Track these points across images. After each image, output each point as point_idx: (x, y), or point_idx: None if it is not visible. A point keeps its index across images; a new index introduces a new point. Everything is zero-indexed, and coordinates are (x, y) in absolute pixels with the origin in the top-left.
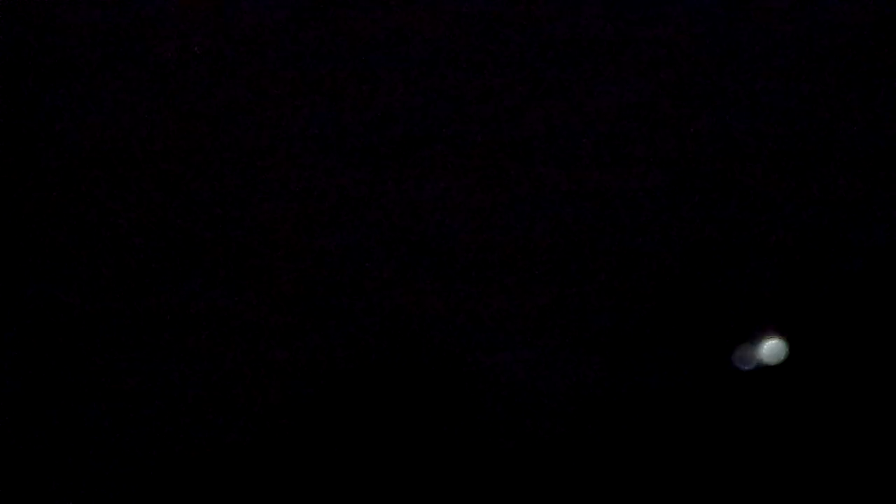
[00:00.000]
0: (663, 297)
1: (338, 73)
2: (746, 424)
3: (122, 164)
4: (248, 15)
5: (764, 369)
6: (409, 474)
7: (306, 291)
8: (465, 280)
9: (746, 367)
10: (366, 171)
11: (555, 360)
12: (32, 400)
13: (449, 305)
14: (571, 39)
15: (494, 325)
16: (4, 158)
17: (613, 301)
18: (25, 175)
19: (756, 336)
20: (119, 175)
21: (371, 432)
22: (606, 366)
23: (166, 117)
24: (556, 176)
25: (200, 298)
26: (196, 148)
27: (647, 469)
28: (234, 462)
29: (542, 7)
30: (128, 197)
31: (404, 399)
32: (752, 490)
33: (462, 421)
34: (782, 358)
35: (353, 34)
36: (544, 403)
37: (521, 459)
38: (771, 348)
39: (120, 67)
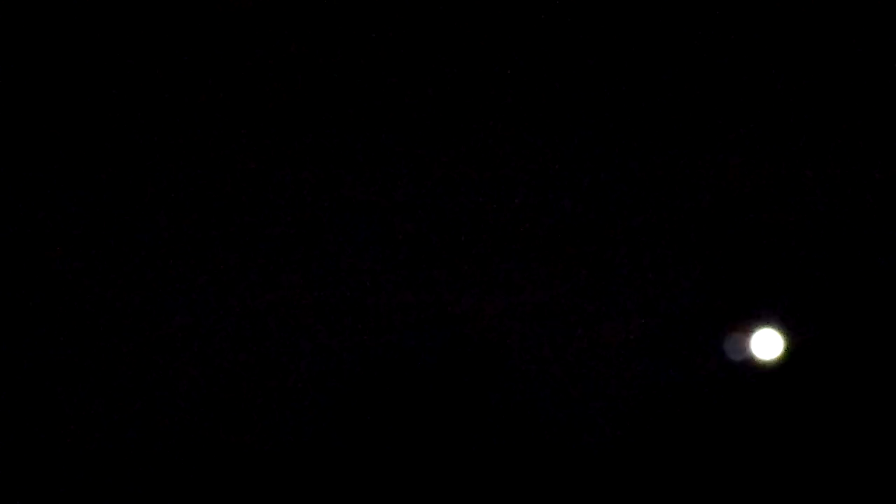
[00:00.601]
0: (693, 295)
1: None
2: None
3: None
4: None
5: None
6: (445, 469)
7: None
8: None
9: (737, 357)
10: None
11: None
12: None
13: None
14: None
15: (532, 322)
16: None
17: (646, 298)
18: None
19: (751, 327)
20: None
21: (408, 427)
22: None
23: None
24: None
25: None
26: None
27: (674, 465)
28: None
29: None
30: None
31: (443, 394)
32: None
33: (498, 418)
34: (776, 350)
35: None
36: (579, 401)
37: (561, 457)
38: (764, 340)
39: None
